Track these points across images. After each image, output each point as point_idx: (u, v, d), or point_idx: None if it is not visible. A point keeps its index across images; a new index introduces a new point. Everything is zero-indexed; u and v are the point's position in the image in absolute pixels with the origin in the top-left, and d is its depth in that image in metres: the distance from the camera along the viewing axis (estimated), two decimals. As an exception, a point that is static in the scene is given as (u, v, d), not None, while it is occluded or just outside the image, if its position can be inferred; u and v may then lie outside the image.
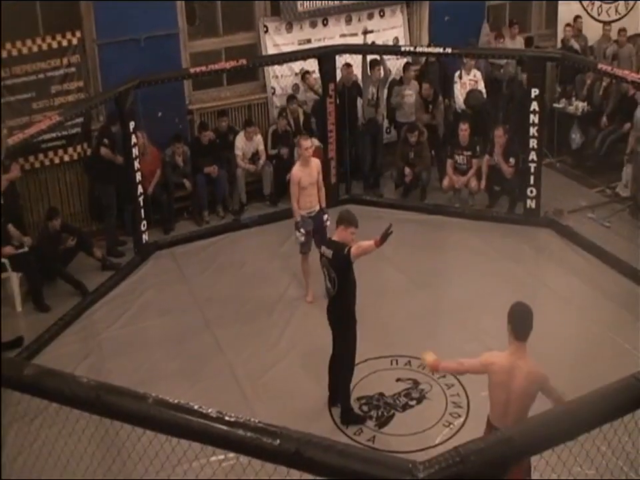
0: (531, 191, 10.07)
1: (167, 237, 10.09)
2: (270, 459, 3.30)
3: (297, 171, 8.27)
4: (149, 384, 7.00)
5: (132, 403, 3.43)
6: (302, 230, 8.23)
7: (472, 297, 8.42)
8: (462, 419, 6.79)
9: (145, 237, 9.75)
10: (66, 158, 10.03)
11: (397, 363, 7.51)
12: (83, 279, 8.95)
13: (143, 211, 9.63)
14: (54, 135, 9.49)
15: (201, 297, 8.73)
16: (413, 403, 7.01)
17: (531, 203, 10.10)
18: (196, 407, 3.37)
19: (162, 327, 8.33)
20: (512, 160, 10.24)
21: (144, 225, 9.68)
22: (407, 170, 10.72)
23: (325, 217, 8.32)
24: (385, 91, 11.14)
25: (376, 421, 6.78)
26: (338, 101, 10.51)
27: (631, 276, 8.69)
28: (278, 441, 3.23)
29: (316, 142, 9.98)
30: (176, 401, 3.38)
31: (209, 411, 3.35)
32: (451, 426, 6.70)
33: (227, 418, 3.32)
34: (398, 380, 7.27)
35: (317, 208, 8.37)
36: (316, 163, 8.41)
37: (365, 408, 6.92)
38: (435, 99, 11.21)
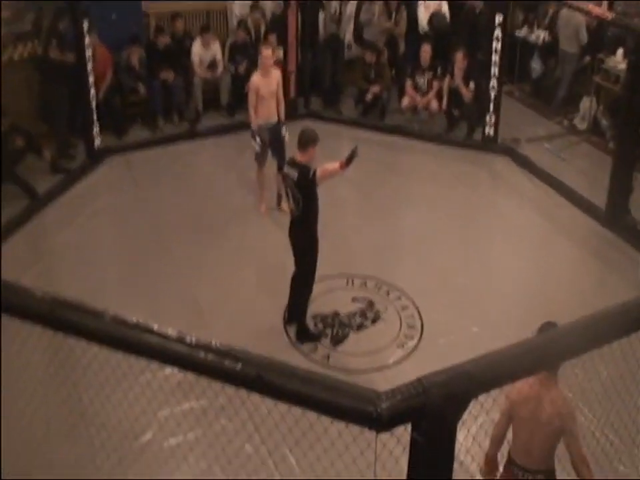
0: (490, 118, 9.94)
1: (120, 143, 9.73)
2: (231, 382, 3.18)
3: (256, 79, 8.08)
4: (101, 294, 6.84)
5: (88, 319, 3.25)
6: (258, 139, 8.03)
7: (425, 223, 8.40)
8: (415, 341, 6.80)
9: (97, 141, 9.39)
10: (15, 56, 9.52)
11: (352, 283, 7.46)
12: (33, 181, 8.60)
13: (95, 114, 9.22)
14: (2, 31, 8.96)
15: (154, 205, 8.50)
16: (368, 323, 6.98)
17: (489, 130, 9.99)
18: (155, 327, 3.20)
19: (114, 235, 8.11)
20: (472, 84, 10.11)
21: (96, 129, 9.30)
22: (368, 88, 10.46)
23: (283, 129, 8.11)
24: (352, 7, 10.76)
25: (331, 339, 6.76)
26: (300, 15, 10.12)
27: (586, 210, 8.69)
28: (239, 365, 3.09)
29: (279, 54, 9.65)
30: (135, 319, 3.20)
31: (169, 331, 3.18)
32: (405, 346, 6.71)
33: (187, 340, 3.17)
34: (354, 300, 7.24)
35: (275, 120, 8.17)
36: (276, 73, 8.21)
37: (320, 326, 6.88)
38: (398, 8, 10.92)
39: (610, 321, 3.61)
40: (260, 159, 8.24)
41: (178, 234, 8.03)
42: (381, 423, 2.96)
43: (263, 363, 3.12)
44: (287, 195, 6.45)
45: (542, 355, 3.48)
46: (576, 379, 4.02)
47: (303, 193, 6.22)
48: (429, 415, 3.07)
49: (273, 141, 8.13)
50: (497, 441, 4.38)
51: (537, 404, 4.16)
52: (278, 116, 8.23)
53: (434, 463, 3.12)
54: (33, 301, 3.36)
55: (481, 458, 4.43)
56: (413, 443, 3.07)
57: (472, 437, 3.92)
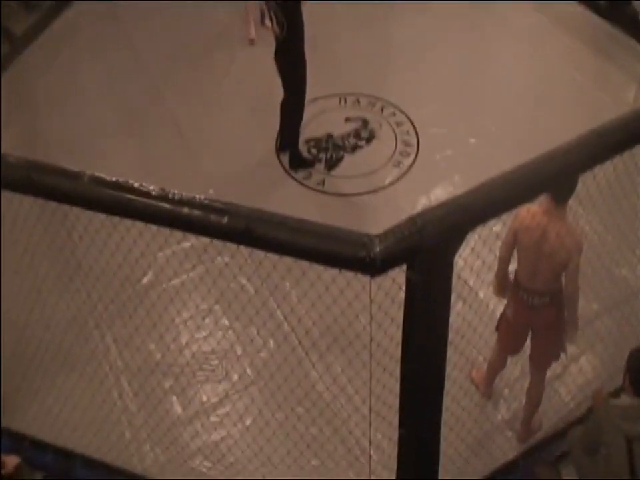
0: None
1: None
2: (218, 237, 3.10)
3: None
4: (88, 140, 6.68)
5: (66, 182, 3.13)
6: None
7: (419, 31, 7.94)
8: (411, 158, 6.64)
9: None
10: None
11: (345, 102, 7.18)
12: (7, 23, 8.07)
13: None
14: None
15: (136, 38, 7.95)
16: (362, 143, 6.79)
17: None
18: (136, 185, 3.07)
19: (97, 75, 7.66)
20: None
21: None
22: None
23: None
24: None
25: (325, 164, 6.59)
26: None
27: (586, 2, 8.18)
28: (226, 218, 3.00)
29: None
30: (114, 179, 3.07)
31: (151, 189, 3.06)
32: (401, 165, 6.57)
33: (170, 196, 3.06)
34: (347, 120, 6.99)
35: None
36: None
37: (314, 151, 6.69)
38: None
39: (607, 137, 3.48)
40: None
41: (162, 66, 7.58)
42: (374, 266, 2.90)
43: (251, 215, 3.02)
44: (271, 18, 6.09)
45: (538, 178, 3.38)
46: (582, 185, 3.87)
47: (287, 15, 5.88)
48: (423, 254, 3.01)
49: None
50: (502, 261, 4.38)
51: (540, 235, 4.09)
52: None
53: (431, 300, 3.10)
54: (7, 168, 3.23)
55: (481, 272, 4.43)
56: (409, 282, 3.03)
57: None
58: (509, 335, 4.51)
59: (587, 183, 3.71)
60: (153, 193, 3.08)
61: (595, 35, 7.92)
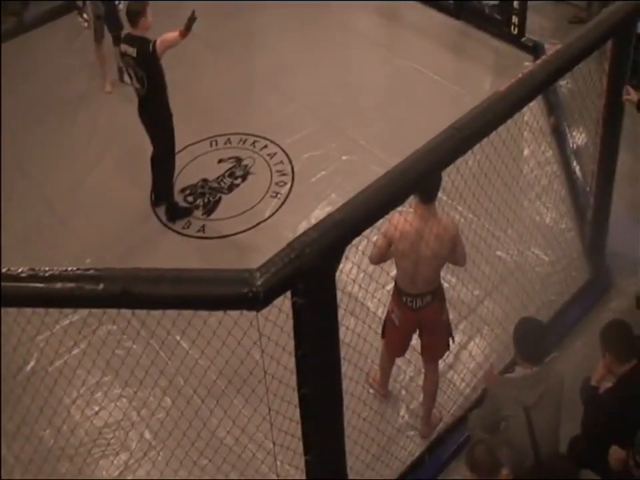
0: None
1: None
2: (97, 305, 3.09)
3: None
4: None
5: None
6: (85, 16, 7.48)
7: (280, 56, 8.14)
8: (288, 186, 6.83)
9: None
10: None
11: (216, 144, 7.30)
12: None
13: None
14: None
15: None
16: (238, 181, 6.92)
17: None
18: (4, 270, 3.03)
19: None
20: None
21: None
22: None
23: None
24: None
25: (203, 209, 6.69)
26: None
27: (438, 7, 8.55)
28: (101, 285, 3.02)
29: None
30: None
31: (20, 270, 3.01)
32: (279, 195, 6.73)
33: (41, 274, 3.01)
34: (220, 161, 7.11)
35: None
36: None
37: (190, 198, 6.78)
38: None
39: (465, 130, 3.65)
40: (97, 36, 7.70)
41: (22, 133, 7.47)
42: (258, 300, 3.00)
43: (127, 276, 3.05)
44: (129, 75, 6.10)
45: (409, 179, 3.51)
46: (447, 178, 4.02)
47: (146, 69, 5.92)
48: (305, 277, 3.11)
49: (107, 13, 7.54)
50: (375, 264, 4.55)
51: (417, 238, 4.29)
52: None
53: (319, 320, 3.21)
54: None
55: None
56: (295, 307, 3.09)
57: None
58: (396, 340, 4.76)
59: (451, 174, 3.84)
60: (23, 275, 3.04)
61: (446, 33, 8.39)
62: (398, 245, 4.29)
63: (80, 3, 7.57)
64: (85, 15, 7.55)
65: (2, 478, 4.70)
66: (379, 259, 4.45)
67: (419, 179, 3.63)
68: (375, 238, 4.28)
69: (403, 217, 4.22)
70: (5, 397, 5.02)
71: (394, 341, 4.74)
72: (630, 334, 4.26)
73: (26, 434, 4.82)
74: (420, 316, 4.54)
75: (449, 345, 4.78)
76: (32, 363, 5.37)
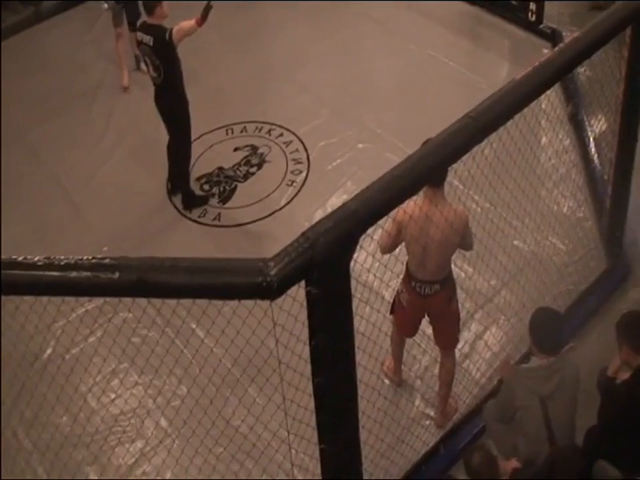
0: None
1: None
2: (112, 294, 3.11)
3: None
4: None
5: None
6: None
7: (294, 46, 8.11)
8: (304, 174, 6.83)
9: None
10: None
11: (232, 132, 7.30)
12: None
13: None
14: None
15: (8, 98, 7.71)
16: (254, 169, 6.92)
17: None
18: (21, 259, 3.05)
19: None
20: None
21: None
22: None
23: None
24: None
25: (219, 198, 6.71)
26: None
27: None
28: (117, 274, 3.05)
29: None
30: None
31: (36, 259, 3.04)
32: (294, 184, 6.74)
33: (56, 263, 3.03)
34: (236, 149, 7.11)
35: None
36: None
37: (206, 187, 6.79)
38: None
39: (478, 121, 3.63)
40: (117, 21, 7.69)
41: (39, 123, 7.49)
42: (272, 290, 3.00)
43: (142, 265, 3.07)
44: (146, 63, 6.13)
45: (423, 170, 3.51)
46: (464, 166, 4.00)
47: (162, 58, 5.96)
48: (319, 267, 3.12)
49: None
50: (386, 252, 4.56)
51: (426, 222, 4.29)
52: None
53: (333, 309, 3.22)
54: None
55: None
56: (309, 296, 3.10)
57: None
58: (405, 321, 4.80)
59: (467, 163, 3.83)
60: (39, 263, 3.06)
61: (462, 20, 8.30)
62: (407, 228, 4.32)
63: None
64: None
65: (20, 464, 4.77)
66: (390, 246, 4.45)
67: (433, 168, 3.63)
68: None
69: (412, 201, 4.20)
70: (23, 384, 5.06)
71: (402, 321, 4.80)
72: None
73: (43, 421, 4.89)
74: (427, 303, 4.57)
75: (459, 332, 4.81)
76: (49, 351, 5.40)
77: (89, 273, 3.03)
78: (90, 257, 3.05)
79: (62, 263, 3.04)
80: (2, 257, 3.09)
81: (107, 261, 3.05)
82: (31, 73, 8.14)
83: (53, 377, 4.81)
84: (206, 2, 5.91)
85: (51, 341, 5.33)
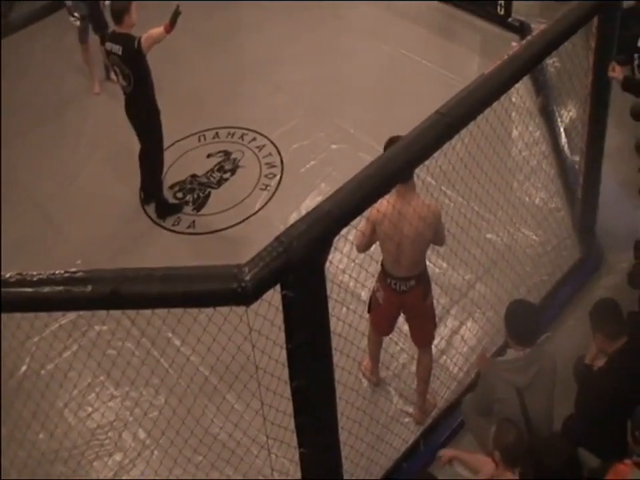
0: None
1: None
2: (86, 308, 3.09)
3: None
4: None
5: None
6: (76, 14, 7.45)
7: (268, 47, 8.12)
8: (278, 178, 6.83)
9: None
10: None
11: (205, 139, 7.29)
12: None
13: None
14: None
15: None
16: (227, 175, 6.91)
17: None
18: (-11, 275, 3.02)
19: None
20: None
21: None
22: None
23: None
24: None
25: (193, 205, 6.69)
26: None
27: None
28: (89, 287, 3.01)
29: None
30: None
31: (8, 276, 3.01)
32: (269, 188, 6.74)
33: (28, 278, 3.01)
34: (209, 156, 7.10)
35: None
36: None
37: (180, 195, 6.77)
38: None
39: (448, 117, 3.65)
40: (82, 37, 7.67)
41: (12, 140, 7.44)
42: (247, 295, 2.99)
43: (115, 277, 3.04)
44: (115, 73, 6.10)
45: (395, 168, 3.52)
46: (435, 162, 4.01)
47: (132, 67, 5.93)
48: (294, 270, 3.11)
49: (92, 13, 7.52)
50: (362, 251, 4.59)
51: (399, 219, 4.31)
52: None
53: (309, 312, 3.23)
54: None
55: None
56: (285, 300, 3.10)
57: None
58: (381, 319, 4.83)
59: (439, 158, 3.86)
60: (11, 279, 3.03)
61: (432, 16, 8.34)
62: (381, 226, 4.35)
63: (69, 2, 7.53)
64: (75, 14, 7.52)
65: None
66: (364, 245, 4.49)
67: (405, 166, 3.65)
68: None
69: (384, 200, 4.19)
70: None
71: (379, 319, 4.83)
72: (617, 311, 4.29)
73: (19, 438, 4.83)
74: (403, 300, 4.61)
75: (435, 327, 4.85)
76: (23, 368, 5.36)
77: (61, 288, 3.01)
78: (62, 271, 3.03)
79: (34, 279, 3.02)
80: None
81: (79, 274, 3.04)
82: (2, 84, 8.09)
83: (28, 393, 4.78)
84: (175, 7, 5.85)
85: (26, 358, 5.30)
